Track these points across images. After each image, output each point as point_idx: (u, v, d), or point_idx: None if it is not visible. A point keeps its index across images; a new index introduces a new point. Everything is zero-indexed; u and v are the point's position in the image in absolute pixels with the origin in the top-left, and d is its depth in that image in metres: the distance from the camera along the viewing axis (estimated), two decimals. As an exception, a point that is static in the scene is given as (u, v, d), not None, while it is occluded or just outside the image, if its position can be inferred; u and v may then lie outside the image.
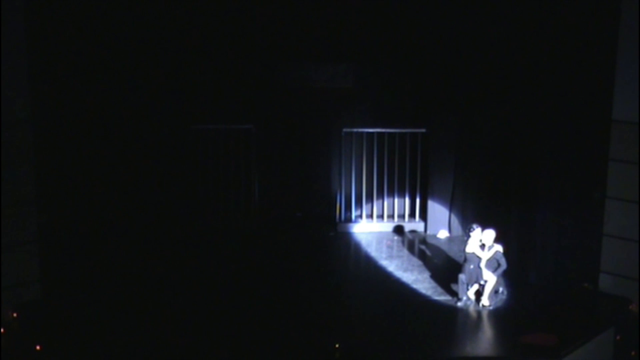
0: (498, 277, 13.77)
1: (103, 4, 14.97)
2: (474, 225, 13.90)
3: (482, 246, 13.78)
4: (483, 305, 13.72)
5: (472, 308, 13.79)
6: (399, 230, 17.47)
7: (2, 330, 12.48)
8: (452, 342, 12.98)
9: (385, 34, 16.57)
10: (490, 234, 13.77)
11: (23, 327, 12.83)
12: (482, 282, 13.78)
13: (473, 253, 13.76)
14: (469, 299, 13.88)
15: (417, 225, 17.57)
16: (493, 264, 13.74)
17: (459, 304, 13.87)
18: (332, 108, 17.28)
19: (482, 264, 13.72)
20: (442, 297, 14.21)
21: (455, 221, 17.15)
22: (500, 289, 13.99)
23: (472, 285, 13.84)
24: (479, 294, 13.86)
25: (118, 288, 14.24)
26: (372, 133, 17.22)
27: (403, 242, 17.02)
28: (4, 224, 13.09)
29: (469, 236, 13.85)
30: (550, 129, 14.51)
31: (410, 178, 17.51)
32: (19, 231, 13.36)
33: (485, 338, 13.22)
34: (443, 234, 17.23)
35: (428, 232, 17.36)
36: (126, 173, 15.86)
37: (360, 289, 14.80)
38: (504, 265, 13.71)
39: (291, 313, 13.58)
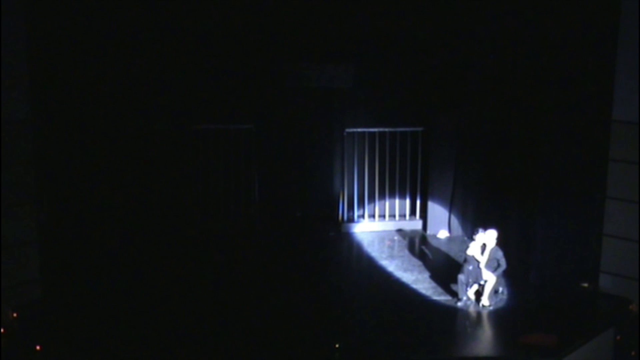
0: (498, 277, 13.78)
1: (103, 4, 14.98)
2: (480, 229, 13.90)
3: (484, 246, 13.78)
4: (483, 305, 13.73)
5: (472, 308, 13.79)
6: (400, 229, 17.51)
7: (2, 330, 12.48)
8: (452, 342, 12.98)
9: (385, 34, 16.58)
10: (492, 234, 13.77)
11: (23, 327, 12.82)
12: (482, 282, 13.79)
13: (473, 256, 13.78)
14: (469, 299, 13.89)
15: (417, 225, 17.59)
16: (493, 264, 13.75)
17: (459, 304, 13.87)
18: (331, 108, 17.28)
19: (482, 265, 13.73)
20: (442, 297, 14.22)
21: (455, 221, 17.16)
22: (500, 289, 13.99)
23: (471, 285, 13.84)
24: (478, 294, 13.87)
25: (118, 288, 14.24)
26: (373, 133, 17.23)
27: (403, 242, 17.02)
28: (4, 224, 13.09)
29: (472, 239, 13.85)
30: (550, 129, 14.50)
31: (411, 178, 17.53)
32: (19, 231, 13.36)
33: (485, 338, 13.22)
34: (443, 234, 17.24)
35: (428, 232, 17.37)
36: (126, 173, 15.87)
37: (361, 288, 14.81)
38: (503, 265, 13.72)
39: (291, 313, 13.59)
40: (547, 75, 14.42)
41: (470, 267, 13.76)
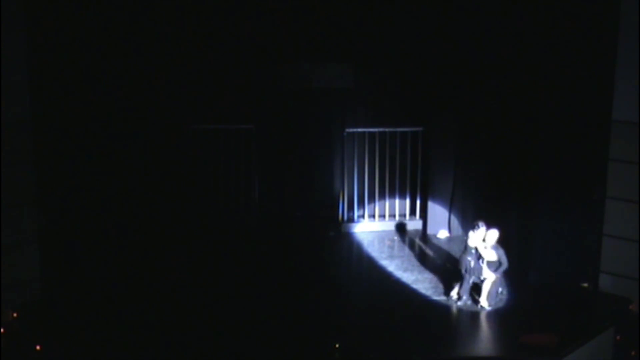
0: (499, 276, 13.76)
1: (103, 5, 14.97)
2: (480, 222, 13.87)
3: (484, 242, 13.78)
4: (482, 307, 13.71)
5: (471, 308, 13.78)
6: (400, 228, 17.48)
7: (2, 330, 12.49)
8: (452, 342, 12.98)
9: (384, 34, 16.58)
10: (493, 234, 13.76)
11: (23, 327, 12.83)
12: (482, 278, 13.74)
13: (476, 249, 13.73)
14: (468, 298, 13.88)
15: (417, 225, 17.59)
16: (494, 263, 13.74)
17: (459, 302, 13.86)
18: (332, 108, 17.28)
19: (486, 262, 13.69)
20: (442, 297, 14.22)
21: (455, 221, 17.15)
22: (500, 289, 13.98)
23: (470, 281, 13.80)
24: (477, 290, 13.86)
25: (118, 288, 14.25)
26: (373, 133, 17.23)
27: (403, 242, 17.02)
28: (4, 224, 13.09)
29: (473, 231, 13.81)
30: (550, 129, 14.50)
31: (411, 177, 17.53)
32: (19, 231, 13.36)
33: (485, 338, 13.22)
34: (443, 234, 17.23)
35: (428, 232, 17.36)
36: (126, 173, 15.86)
37: (361, 288, 14.81)
38: (505, 263, 13.70)
39: (291, 313, 13.59)
40: (547, 75, 14.42)
41: (472, 263, 13.72)
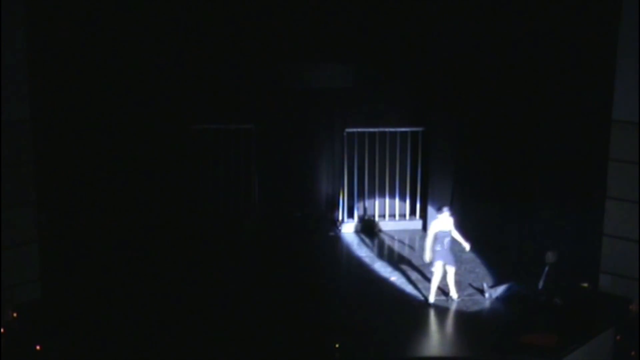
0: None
1: (103, 5, 14.98)
2: (444, 208, 13.92)
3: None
4: (452, 298, 13.78)
5: (472, 308, 13.78)
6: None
7: (2, 330, 12.49)
8: (452, 342, 13.01)
9: (384, 34, 16.58)
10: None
11: (23, 327, 12.83)
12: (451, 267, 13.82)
13: (440, 231, 13.73)
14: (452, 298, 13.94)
15: (417, 225, 17.58)
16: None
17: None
18: (332, 108, 17.28)
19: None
20: (441, 297, 14.21)
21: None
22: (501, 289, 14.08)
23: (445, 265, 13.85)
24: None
25: (118, 288, 14.25)
26: (373, 133, 17.23)
27: (403, 242, 17.02)
28: (4, 224, 13.09)
29: (436, 217, 13.85)
30: (550, 129, 14.51)
31: (411, 178, 17.53)
32: (19, 231, 13.36)
33: (485, 338, 13.20)
34: (443, 234, 17.22)
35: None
36: (126, 173, 15.87)
37: (360, 288, 14.80)
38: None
39: (291, 313, 13.59)
40: (547, 75, 14.43)
41: (438, 248, 13.76)
